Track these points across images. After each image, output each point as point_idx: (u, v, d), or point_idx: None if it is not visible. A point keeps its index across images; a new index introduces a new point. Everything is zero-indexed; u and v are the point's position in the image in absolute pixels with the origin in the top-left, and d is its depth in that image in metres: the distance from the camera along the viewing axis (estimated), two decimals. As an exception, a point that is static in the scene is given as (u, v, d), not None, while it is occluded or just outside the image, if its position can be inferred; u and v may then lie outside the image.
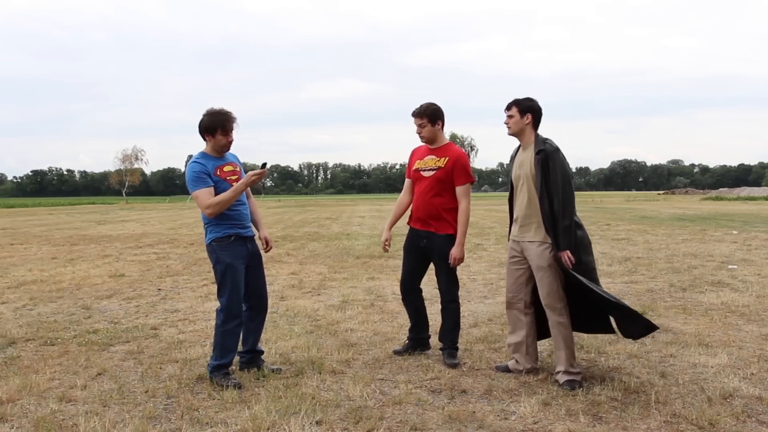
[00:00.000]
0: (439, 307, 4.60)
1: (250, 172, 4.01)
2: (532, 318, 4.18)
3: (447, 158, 4.38)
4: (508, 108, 4.07)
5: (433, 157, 4.42)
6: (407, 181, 4.64)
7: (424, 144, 4.55)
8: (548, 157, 3.88)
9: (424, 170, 4.43)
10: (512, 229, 4.23)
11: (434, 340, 4.85)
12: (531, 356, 4.20)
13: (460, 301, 4.59)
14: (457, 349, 4.52)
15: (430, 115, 4.38)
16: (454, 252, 4.35)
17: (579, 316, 4.10)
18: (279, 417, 3.44)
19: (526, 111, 4.02)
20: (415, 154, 4.59)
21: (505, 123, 4.10)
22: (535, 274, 4.04)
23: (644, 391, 3.80)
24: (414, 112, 4.42)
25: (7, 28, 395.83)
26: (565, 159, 3.93)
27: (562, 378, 3.94)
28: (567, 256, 3.86)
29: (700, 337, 5.03)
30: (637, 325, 4.06)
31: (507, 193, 4.41)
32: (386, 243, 4.67)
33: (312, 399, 3.70)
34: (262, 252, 4.38)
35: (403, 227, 4.86)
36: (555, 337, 4.02)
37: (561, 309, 3.98)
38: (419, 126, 4.41)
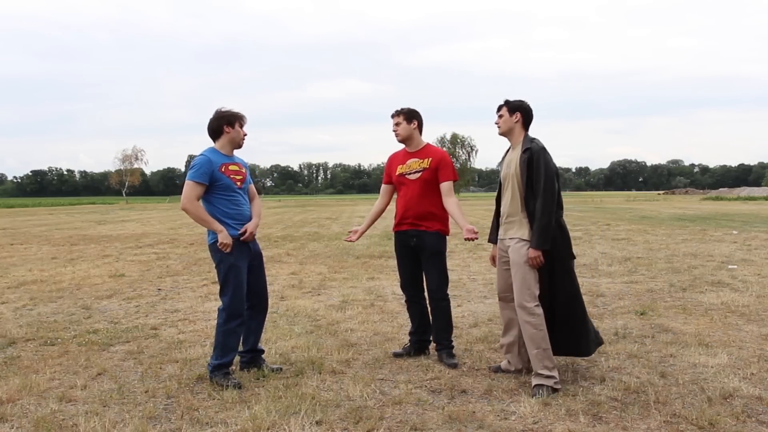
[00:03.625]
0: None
1: (229, 243, 4.01)
2: None
3: (431, 158, 4.46)
4: (499, 109, 4.12)
5: (416, 159, 4.49)
6: (384, 187, 4.71)
7: (401, 149, 4.61)
8: (534, 156, 3.87)
9: (409, 174, 4.48)
10: (499, 228, 4.20)
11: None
12: (523, 357, 4.17)
13: (459, 300, 4.58)
14: (453, 347, 4.52)
15: (406, 114, 4.48)
16: (467, 232, 4.20)
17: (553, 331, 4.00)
18: (279, 417, 3.44)
19: (515, 110, 4.04)
20: (395, 160, 4.62)
21: (495, 123, 4.14)
22: (511, 270, 4.01)
23: (644, 391, 3.79)
24: (392, 113, 4.55)
25: (8, 28, 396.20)
26: (550, 159, 3.92)
27: (533, 381, 3.87)
28: (538, 256, 3.84)
29: (700, 337, 5.03)
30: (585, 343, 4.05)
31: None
32: (353, 233, 4.76)
33: (312, 399, 3.70)
34: (262, 251, 4.39)
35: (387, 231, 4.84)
36: (525, 337, 3.95)
37: (532, 308, 3.89)
38: (395, 125, 4.50)
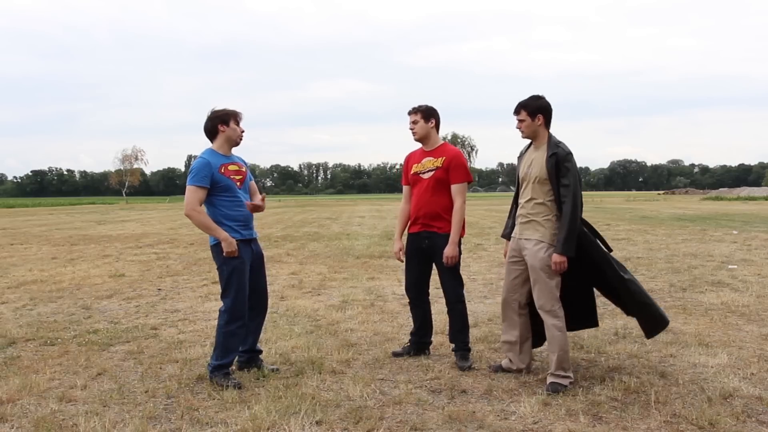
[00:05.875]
0: (443, 307, 4.57)
1: (234, 249, 4.01)
2: (527, 318, 4.17)
3: (444, 158, 4.39)
4: (517, 112, 4.01)
5: (431, 158, 4.43)
6: (405, 189, 4.64)
7: (418, 148, 4.55)
8: (562, 161, 3.85)
9: (423, 172, 4.43)
10: (514, 227, 4.20)
11: (438, 341, 4.87)
12: (524, 356, 4.19)
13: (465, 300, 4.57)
14: (469, 350, 4.49)
15: (423, 111, 4.41)
16: (447, 251, 4.33)
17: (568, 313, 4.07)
18: (279, 417, 3.44)
19: (536, 112, 3.96)
20: (411, 159, 4.57)
21: (517, 128, 4.04)
22: (530, 274, 4.01)
23: (644, 391, 3.80)
24: (409, 110, 4.47)
25: (9, 28, 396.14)
26: (575, 164, 3.91)
27: (548, 379, 3.90)
28: (563, 262, 3.84)
29: (700, 337, 5.03)
30: (651, 321, 4.14)
31: (501, 193, 4.40)
32: (400, 252, 4.62)
33: (312, 399, 3.70)
34: (264, 252, 4.39)
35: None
36: (548, 339, 3.98)
37: (556, 311, 3.92)
38: (412, 123, 4.43)
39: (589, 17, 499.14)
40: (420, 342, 4.66)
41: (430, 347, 4.71)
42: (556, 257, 3.84)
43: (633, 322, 5.59)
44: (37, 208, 49.96)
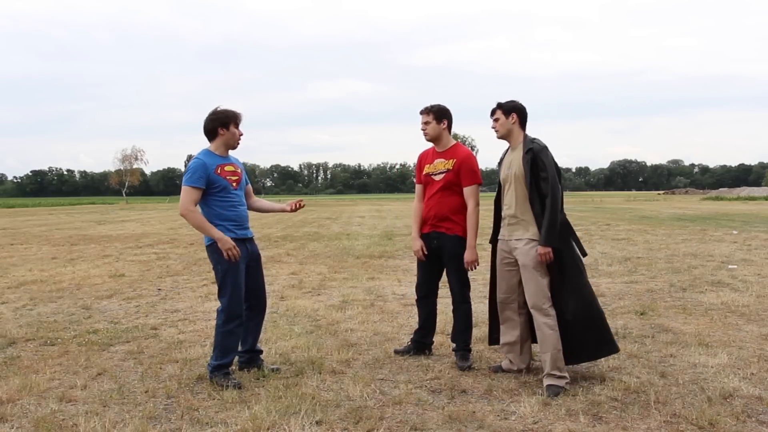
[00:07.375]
0: (444, 307, 4.57)
1: (231, 246, 3.98)
2: (526, 318, 4.17)
3: (455, 160, 4.38)
4: (493, 113, 4.11)
5: (442, 159, 4.42)
6: (418, 187, 4.62)
7: (431, 147, 4.54)
8: (538, 156, 3.89)
9: (435, 174, 4.42)
10: (501, 229, 4.22)
11: (438, 341, 4.87)
12: (525, 356, 4.19)
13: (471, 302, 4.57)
14: (470, 350, 4.49)
15: (436, 112, 4.40)
16: (466, 256, 4.35)
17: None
18: (279, 417, 3.44)
19: (510, 111, 4.05)
20: (424, 159, 4.57)
21: (492, 128, 4.13)
22: (521, 273, 4.02)
23: (644, 391, 3.79)
24: (421, 109, 4.45)
25: (9, 28, 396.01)
26: (552, 157, 3.94)
27: (545, 382, 3.88)
28: (548, 252, 3.85)
29: (700, 337, 5.03)
30: (598, 344, 4.00)
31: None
32: (423, 249, 4.52)
33: (312, 399, 3.70)
34: (261, 252, 4.39)
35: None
36: (539, 339, 3.97)
37: (547, 309, 3.92)
38: (424, 123, 4.41)
39: (589, 17, 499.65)
40: (421, 342, 4.66)
41: (432, 347, 4.71)
42: (541, 249, 3.86)
43: (633, 322, 5.61)
44: (37, 208, 49.94)
